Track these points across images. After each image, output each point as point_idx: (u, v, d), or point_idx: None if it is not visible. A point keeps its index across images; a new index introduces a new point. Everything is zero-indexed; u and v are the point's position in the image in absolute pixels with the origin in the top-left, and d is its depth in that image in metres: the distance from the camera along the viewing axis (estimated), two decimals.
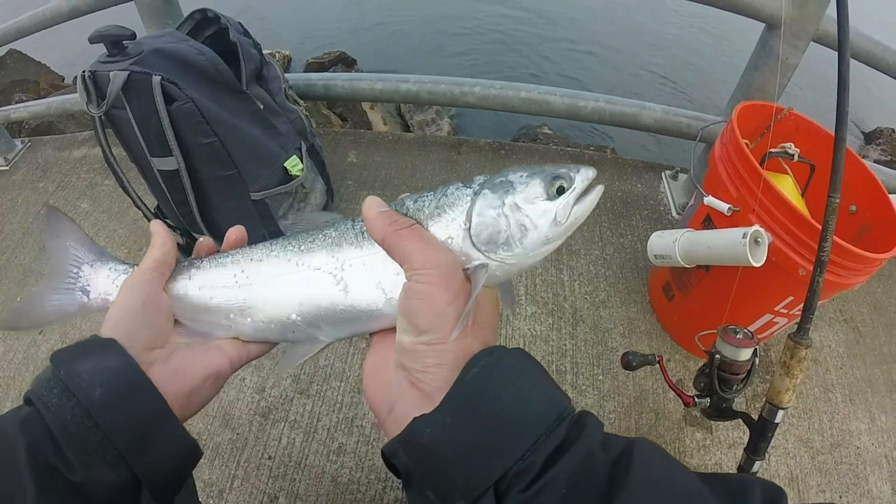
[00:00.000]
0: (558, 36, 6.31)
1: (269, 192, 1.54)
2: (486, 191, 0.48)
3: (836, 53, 0.91)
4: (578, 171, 0.48)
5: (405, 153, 2.25)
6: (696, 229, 1.34)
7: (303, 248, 0.54)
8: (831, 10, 1.47)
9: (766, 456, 1.04)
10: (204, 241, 0.60)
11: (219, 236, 0.60)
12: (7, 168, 2.38)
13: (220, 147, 1.39)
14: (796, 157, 1.37)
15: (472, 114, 4.57)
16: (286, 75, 1.84)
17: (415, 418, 0.40)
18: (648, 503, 0.33)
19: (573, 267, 1.79)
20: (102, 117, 1.37)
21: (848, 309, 1.81)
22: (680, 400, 1.14)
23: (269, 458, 1.36)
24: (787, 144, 1.37)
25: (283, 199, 1.62)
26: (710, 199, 1.28)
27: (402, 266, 0.45)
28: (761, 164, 1.20)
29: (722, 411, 1.11)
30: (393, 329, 0.48)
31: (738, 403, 1.46)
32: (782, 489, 0.36)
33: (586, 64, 5.89)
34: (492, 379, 0.40)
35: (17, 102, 2.80)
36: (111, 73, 1.28)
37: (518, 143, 3.17)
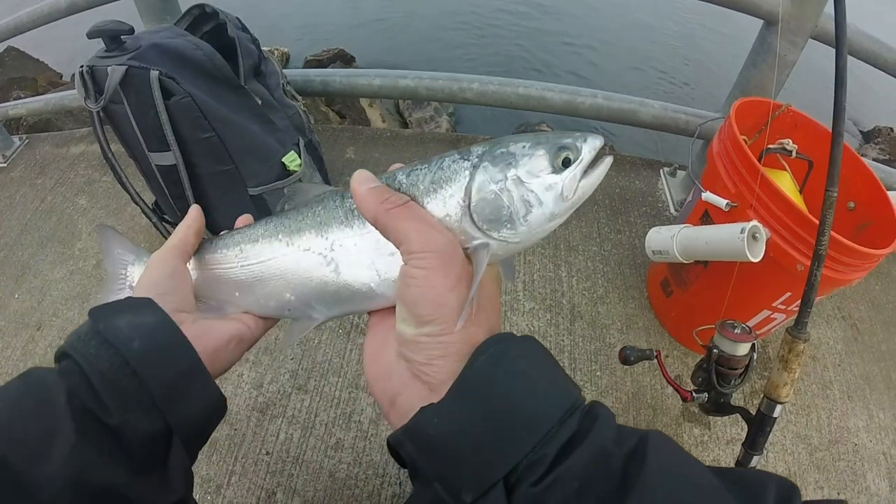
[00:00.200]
0: (557, 30, 6.30)
1: (267, 188, 1.54)
2: (485, 163, 0.43)
3: (833, 50, 0.91)
4: (586, 141, 0.44)
5: (403, 149, 2.25)
6: (694, 225, 1.35)
7: (293, 227, 0.52)
8: (830, 8, 1.47)
9: (764, 452, 1.04)
10: (242, 218, 0.62)
11: (217, 232, 0.61)
12: (5, 165, 2.37)
13: (218, 142, 1.39)
14: (794, 154, 1.37)
15: (470, 111, 4.57)
16: (284, 71, 1.84)
17: (421, 408, 0.38)
18: (663, 497, 0.32)
19: (571, 263, 1.79)
20: (100, 112, 1.37)
21: (846, 306, 1.81)
22: (678, 395, 1.14)
23: (267, 453, 1.36)
24: (786, 140, 1.37)
25: (280, 195, 1.62)
26: (707, 195, 1.28)
27: (397, 247, 0.42)
28: (759, 161, 1.21)
29: (720, 406, 1.11)
30: (391, 308, 0.47)
31: (736, 400, 1.46)
32: (795, 485, 0.35)
33: (585, 60, 5.87)
34: (501, 368, 0.38)
35: (14, 100, 2.79)
36: (109, 68, 1.28)
37: None
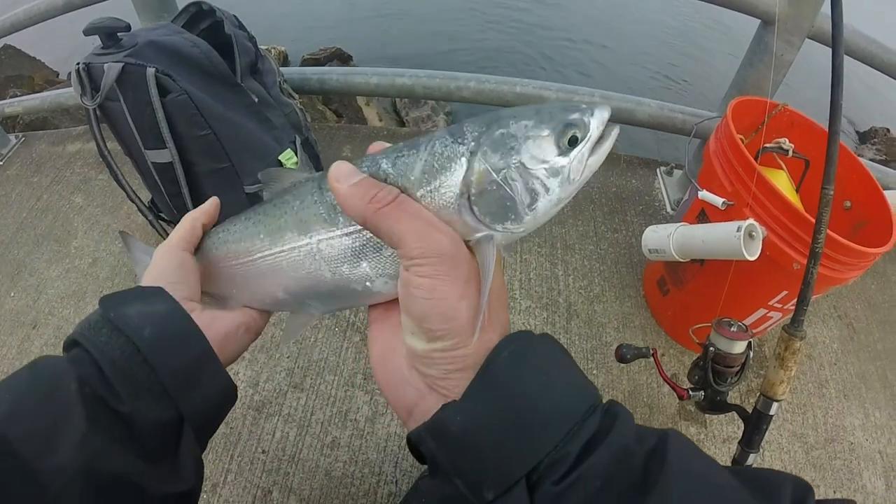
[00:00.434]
0: (555, 27, 6.31)
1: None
2: (484, 148, 0.39)
3: (830, 50, 0.92)
4: (593, 115, 0.40)
5: None
6: (691, 224, 1.35)
7: (273, 225, 0.49)
8: (826, 8, 1.48)
9: (761, 450, 1.04)
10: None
11: None
12: (1, 163, 2.36)
13: (215, 140, 1.39)
14: (791, 153, 1.37)
15: (467, 110, 4.57)
16: (281, 69, 1.84)
17: (443, 405, 0.38)
18: (684, 496, 0.32)
19: (567, 262, 1.79)
20: (97, 110, 1.37)
21: (842, 305, 1.82)
22: (674, 394, 1.14)
23: (263, 452, 1.35)
24: (782, 140, 1.37)
25: None
26: (704, 194, 1.28)
27: (395, 249, 0.39)
28: (756, 160, 1.21)
29: (716, 404, 1.11)
30: (393, 301, 0.45)
31: (733, 398, 1.46)
32: (810, 486, 0.35)
33: (583, 57, 5.89)
34: (522, 366, 0.37)
35: (11, 98, 2.79)
36: (105, 65, 1.28)
37: None
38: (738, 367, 1.07)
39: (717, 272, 1.29)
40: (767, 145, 1.36)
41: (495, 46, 5.89)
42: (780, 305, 1.30)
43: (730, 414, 1.10)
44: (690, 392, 1.12)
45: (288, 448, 1.36)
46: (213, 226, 0.59)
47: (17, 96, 2.84)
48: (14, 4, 2.11)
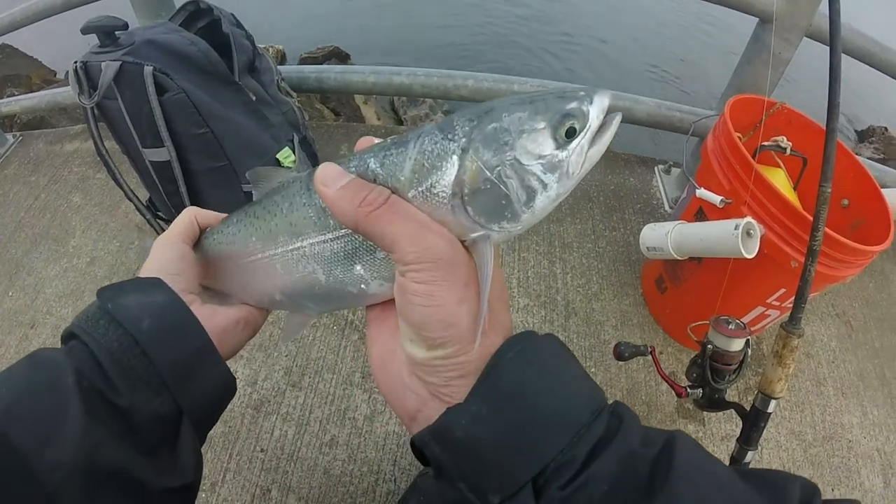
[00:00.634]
0: (554, 25, 6.32)
1: None
2: (476, 144, 0.36)
3: (828, 49, 0.92)
4: (592, 102, 0.37)
5: None
6: (689, 222, 1.35)
7: (264, 228, 0.48)
8: (824, 7, 1.48)
9: (759, 448, 1.04)
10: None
11: None
12: None
13: (212, 138, 1.39)
14: (788, 151, 1.37)
15: (465, 109, 4.57)
16: (279, 67, 1.84)
17: (448, 409, 0.37)
18: (692, 499, 0.32)
19: (566, 260, 1.79)
20: (94, 109, 1.36)
21: (840, 303, 1.82)
22: (672, 392, 1.14)
23: (262, 450, 1.35)
24: (780, 138, 1.38)
25: None
26: (702, 192, 1.28)
27: (388, 253, 0.38)
28: (753, 158, 1.21)
29: (714, 402, 1.11)
30: (389, 302, 0.44)
31: (731, 396, 1.46)
32: (817, 487, 0.35)
33: (582, 52, 5.90)
34: (527, 369, 0.36)
35: (8, 97, 2.78)
36: (103, 64, 1.28)
37: None
38: (737, 365, 1.08)
39: (714, 270, 1.29)
40: (765, 143, 1.36)
41: (494, 42, 5.89)
42: (777, 303, 1.30)
43: (728, 412, 1.11)
44: (689, 390, 1.12)
45: (286, 447, 1.36)
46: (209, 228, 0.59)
47: (14, 95, 2.83)
48: (12, 3, 2.11)
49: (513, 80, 1.99)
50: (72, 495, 0.36)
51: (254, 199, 0.52)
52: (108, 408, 0.40)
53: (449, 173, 0.36)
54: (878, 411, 1.56)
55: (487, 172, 0.36)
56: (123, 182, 1.54)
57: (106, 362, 0.40)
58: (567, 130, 0.36)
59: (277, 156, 1.56)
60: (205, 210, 0.57)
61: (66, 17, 2.01)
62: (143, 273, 0.49)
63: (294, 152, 1.60)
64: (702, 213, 1.33)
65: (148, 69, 1.27)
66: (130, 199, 1.59)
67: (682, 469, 0.33)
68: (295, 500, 1.28)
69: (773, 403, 0.97)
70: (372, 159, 0.39)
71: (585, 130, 0.37)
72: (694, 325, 1.22)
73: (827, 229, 0.99)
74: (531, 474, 0.34)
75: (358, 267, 0.42)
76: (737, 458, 1.03)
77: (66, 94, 2.32)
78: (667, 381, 1.15)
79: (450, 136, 0.37)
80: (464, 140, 0.36)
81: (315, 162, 1.82)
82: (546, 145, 0.36)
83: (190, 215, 0.55)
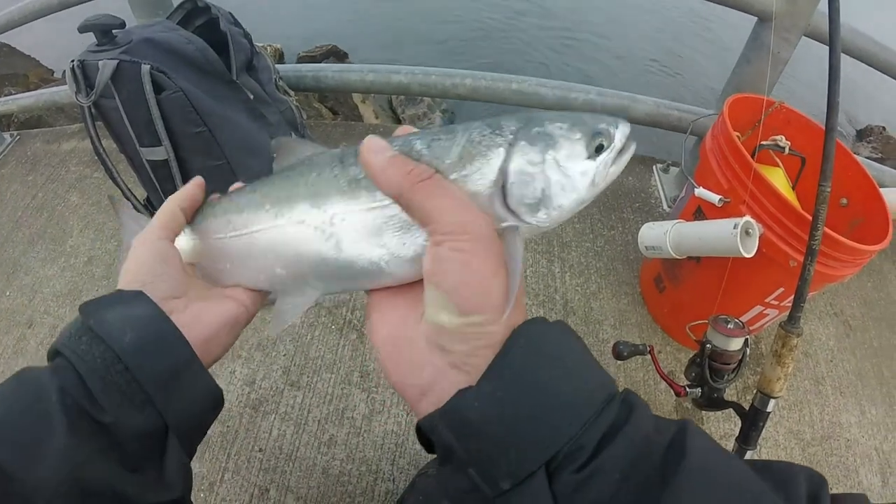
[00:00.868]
0: (553, 21, 6.33)
1: None
2: (522, 142, 0.40)
3: (827, 49, 0.92)
4: (618, 127, 0.42)
5: None
6: (687, 221, 1.35)
7: (282, 196, 0.47)
8: (823, 6, 1.48)
9: (758, 447, 1.04)
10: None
11: None
12: None
13: (210, 137, 1.38)
14: (787, 150, 1.37)
15: (463, 108, 4.57)
16: (277, 66, 1.83)
17: (459, 391, 0.36)
18: (703, 487, 0.32)
19: (564, 259, 1.79)
20: (91, 107, 1.36)
21: (838, 303, 1.82)
22: (671, 391, 1.14)
23: (260, 450, 1.35)
24: (779, 137, 1.38)
25: None
26: (700, 191, 1.28)
27: (423, 225, 0.39)
28: (752, 157, 1.21)
29: (713, 401, 1.11)
30: (396, 288, 0.45)
31: (729, 395, 1.46)
32: (823, 477, 0.36)
33: (581, 49, 5.91)
34: (539, 353, 0.37)
35: (5, 96, 2.78)
36: (100, 62, 1.27)
37: None
38: (735, 364, 1.08)
39: (713, 269, 1.29)
40: (764, 143, 1.36)
41: (492, 38, 5.89)
42: (776, 302, 1.30)
43: (727, 411, 1.11)
44: (687, 389, 1.12)
45: (285, 446, 1.36)
46: (213, 195, 0.57)
47: (11, 94, 2.82)
48: (8, 2, 2.10)
49: (511, 79, 1.99)
50: None
51: (274, 170, 0.51)
52: (93, 425, 0.39)
53: (494, 163, 0.40)
54: (877, 410, 1.56)
55: (531, 167, 0.40)
56: (121, 181, 1.53)
57: (89, 379, 0.40)
58: (598, 146, 0.41)
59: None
60: (192, 187, 0.55)
61: (63, 16, 2.01)
62: (122, 277, 0.48)
63: None
64: (700, 212, 1.33)
65: (145, 68, 1.26)
66: (128, 199, 1.58)
67: (694, 456, 0.33)
68: (293, 500, 1.28)
69: (772, 403, 0.98)
70: (418, 141, 0.42)
71: (612, 148, 0.42)
72: (692, 324, 1.22)
73: (826, 229, 0.99)
74: (545, 458, 0.34)
75: (382, 242, 0.43)
76: None
77: (63, 93, 2.31)
78: (665, 381, 1.15)
79: (498, 132, 0.41)
80: (511, 136, 0.40)
81: None
82: (580, 154, 0.41)
83: (172, 206, 0.53)
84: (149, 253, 0.49)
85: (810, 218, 0.92)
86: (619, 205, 1.99)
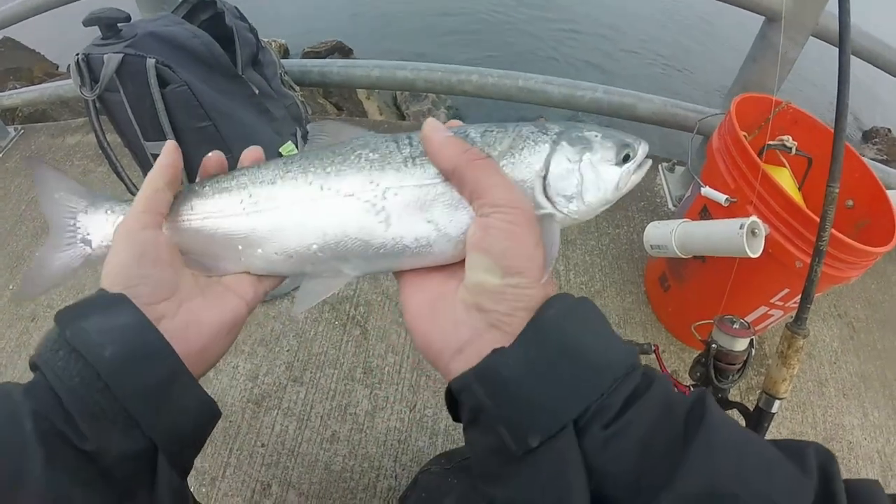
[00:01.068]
0: (559, 17, 6.31)
1: None
2: (564, 142, 0.47)
3: (834, 49, 0.91)
4: (640, 144, 0.49)
5: None
6: (693, 220, 1.34)
7: (329, 168, 0.48)
8: (830, 7, 1.47)
9: None
10: (213, 155, 0.53)
11: None
12: (0, 155, 2.35)
13: (215, 131, 1.38)
14: (794, 150, 1.36)
15: (469, 104, 4.55)
16: (282, 61, 1.83)
17: (493, 350, 0.38)
18: (723, 445, 0.34)
19: (569, 257, 1.79)
20: (96, 101, 1.36)
21: (842, 304, 1.81)
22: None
23: (262, 445, 1.35)
24: (785, 137, 1.37)
25: None
26: (707, 190, 1.28)
27: (472, 200, 0.43)
28: (759, 157, 1.20)
29: (717, 402, 1.11)
30: (427, 268, 0.47)
31: (733, 396, 1.46)
32: (832, 453, 0.36)
33: (589, 45, 5.90)
34: (570, 320, 0.39)
35: (10, 90, 2.78)
36: (105, 56, 1.27)
37: None
38: (740, 365, 1.07)
39: (718, 269, 1.29)
40: (771, 142, 1.35)
41: (500, 36, 5.87)
42: (781, 303, 1.30)
43: (731, 412, 1.10)
44: (692, 389, 1.12)
45: (287, 442, 1.36)
46: (214, 175, 0.52)
47: (16, 88, 2.83)
48: None
49: (517, 76, 1.98)
50: None
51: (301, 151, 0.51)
52: (72, 454, 0.36)
53: (541, 155, 0.46)
54: (879, 413, 1.55)
55: (570, 163, 0.46)
56: (125, 175, 1.53)
57: (67, 400, 0.36)
58: (625, 155, 0.48)
59: (280, 149, 1.55)
60: (170, 155, 0.50)
61: (67, 11, 2.01)
62: (104, 280, 0.43)
63: (297, 146, 1.59)
64: (706, 211, 1.32)
65: (150, 62, 1.26)
66: (132, 193, 1.58)
67: (714, 420, 0.35)
68: (295, 496, 1.27)
69: (776, 404, 0.97)
70: (472, 130, 0.48)
71: (635, 160, 0.49)
72: (698, 324, 1.21)
73: (833, 230, 0.98)
74: (574, 414, 0.35)
75: (431, 218, 0.46)
76: None
77: (67, 87, 2.31)
78: (670, 380, 1.14)
79: (544, 132, 0.47)
80: (555, 136, 0.47)
81: None
82: (610, 160, 0.48)
83: (151, 187, 0.47)
84: (130, 249, 0.44)
85: (817, 219, 0.92)
86: (624, 203, 1.98)
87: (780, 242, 1.15)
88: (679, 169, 2.09)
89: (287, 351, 1.53)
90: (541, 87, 1.96)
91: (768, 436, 1.41)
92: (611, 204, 0.49)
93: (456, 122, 0.50)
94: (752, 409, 1.01)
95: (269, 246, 0.49)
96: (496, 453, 0.37)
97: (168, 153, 0.50)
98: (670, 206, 1.98)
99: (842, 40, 0.90)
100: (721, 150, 1.30)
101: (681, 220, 1.34)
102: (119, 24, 1.32)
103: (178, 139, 1.36)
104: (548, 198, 0.46)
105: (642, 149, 0.49)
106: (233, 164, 0.54)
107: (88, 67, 1.31)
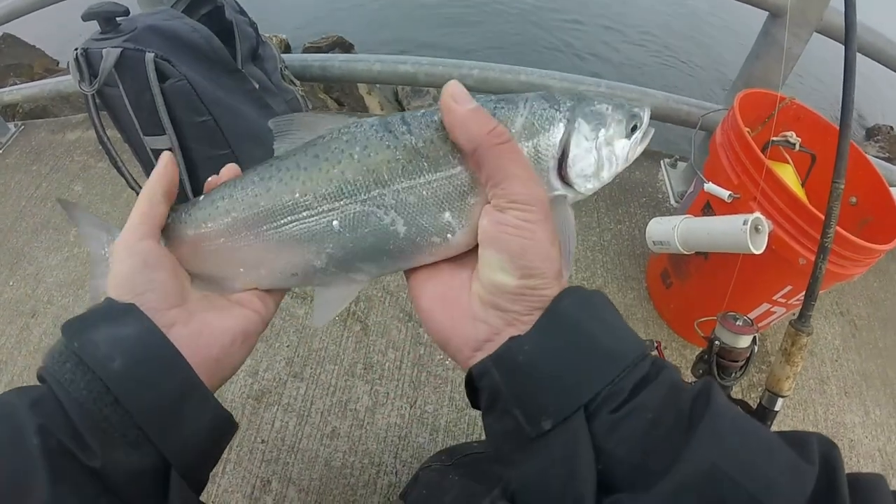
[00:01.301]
0: (562, 9, 6.30)
1: None
2: (579, 119, 0.44)
3: (837, 45, 0.90)
4: (645, 112, 0.47)
5: None
6: (696, 216, 1.33)
7: (317, 178, 0.43)
8: (834, 3, 1.46)
9: None
10: (224, 171, 0.50)
11: None
12: (0, 152, 2.35)
13: (214, 126, 1.38)
14: (798, 147, 1.36)
15: None
16: (283, 55, 1.82)
17: (510, 338, 0.39)
18: (726, 430, 0.34)
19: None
20: (95, 96, 1.35)
21: (844, 302, 1.81)
22: None
23: (262, 441, 1.35)
24: (789, 133, 1.36)
25: None
26: (710, 186, 1.27)
27: (487, 184, 0.40)
28: (762, 153, 1.19)
29: None
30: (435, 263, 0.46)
31: (735, 393, 1.46)
32: (834, 443, 0.37)
33: (590, 40, 5.88)
34: (584, 310, 0.39)
35: (10, 86, 2.77)
36: (104, 51, 1.26)
37: None
38: (743, 362, 1.06)
39: (721, 266, 1.28)
40: (775, 138, 1.35)
41: (501, 30, 5.86)
42: (783, 300, 1.29)
43: None
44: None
45: (287, 438, 1.35)
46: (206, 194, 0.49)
47: (16, 84, 2.82)
48: None
49: (519, 70, 1.97)
50: None
51: (277, 154, 0.46)
52: (79, 471, 0.35)
53: (555, 136, 0.43)
54: (881, 411, 1.55)
55: (587, 143, 0.44)
56: (125, 171, 1.53)
57: (75, 414, 0.35)
58: (632, 127, 0.46)
59: None
60: (166, 166, 0.48)
61: (67, 6, 2.00)
62: (109, 292, 0.42)
63: None
64: (709, 207, 1.32)
65: (149, 56, 1.26)
66: (132, 188, 1.58)
67: (719, 407, 0.35)
68: (295, 492, 1.27)
69: (780, 401, 0.97)
70: (486, 103, 0.43)
71: (642, 130, 0.47)
72: (700, 320, 1.21)
73: (836, 227, 0.97)
74: (585, 399, 0.36)
75: (447, 214, 0.43)
76: None
77: (67, 82, 2.30)
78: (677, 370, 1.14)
79: (556, 108, 0.44)
80: (568, 113, 0.44)
81: None
82: (621, 133, 0.46)
83: (146, 200, 0.46)
84: (131, 260, 0.43)
85: (821, 216, 0.91)
86: (625, 199, 1.98)
87: (783, 239, 1.14)
88: (681, 165, 2.08)
89: (287, 346, 1.52)
90: (542, 82, 1.95)
91: None
92: (620, 172, 0.48)
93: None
94: (754, 407, 1.01)
95: (271, 265, 0.47)
96: (512, 436, 0.38)
97: (163, 165, 0.48)
98: (672, 202, 1.97)
99: (848, 36, 0.89)
100: (724, 146, 1.29)
101: (683, 217, 1.33)
102: (118, 19, 1.31)
103: (177, 134, 1.36)
104: (562, 178, 0.44)
105: (647, 117, 0.48)
106: (233, 159, 0.53)
107: (87, 62, 1.30)
